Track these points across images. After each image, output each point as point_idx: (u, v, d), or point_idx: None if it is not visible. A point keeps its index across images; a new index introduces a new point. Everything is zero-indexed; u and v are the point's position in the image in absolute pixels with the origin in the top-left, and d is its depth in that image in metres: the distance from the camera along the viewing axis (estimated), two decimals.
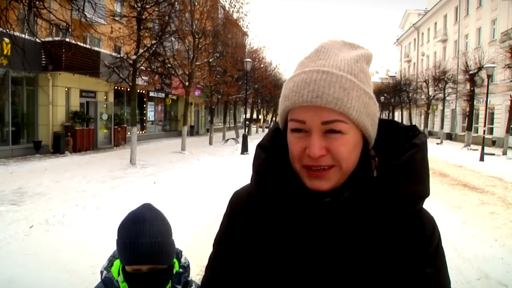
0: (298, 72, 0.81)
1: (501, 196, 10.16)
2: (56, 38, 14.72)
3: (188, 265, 1.54)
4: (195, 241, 5.65)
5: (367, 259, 0.81)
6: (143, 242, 1.32)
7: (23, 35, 8.87)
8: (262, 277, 0.86)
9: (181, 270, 1.49)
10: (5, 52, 13.24)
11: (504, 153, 22.01)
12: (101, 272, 1.50)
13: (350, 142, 0.79)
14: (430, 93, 36.76)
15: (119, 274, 1.42)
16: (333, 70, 0.78)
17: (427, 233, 0.85)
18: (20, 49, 7.17)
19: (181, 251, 1.55)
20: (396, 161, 0.83)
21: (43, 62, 16.39)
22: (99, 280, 1.50)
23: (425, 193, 0.84)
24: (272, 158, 0.89)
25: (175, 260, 1.48)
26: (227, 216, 1.00)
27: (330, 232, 0.82)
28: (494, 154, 21.94)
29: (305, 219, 0.82)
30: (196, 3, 20.12)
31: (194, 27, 19.81)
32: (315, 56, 0.83)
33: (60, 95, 17.90)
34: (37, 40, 8.78)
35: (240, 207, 0.96)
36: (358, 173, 0.83)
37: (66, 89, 18.37)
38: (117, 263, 1.46)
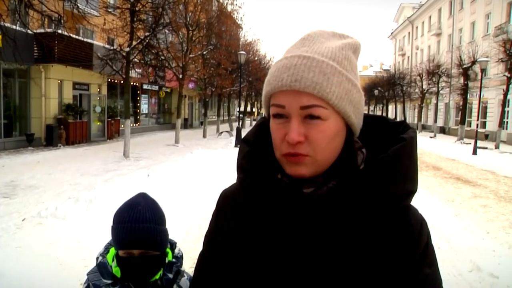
0: (281, 58, 0.82)
1: (493, 190, 10.25)
2: (48, 30, 14.55)
3: (182, 256, 1.56)
4: (188, 234, 5.64)
5: (349, 255, 0.79)
6: (136, 227, 1.35)
7: (14, 26, 8.76)
8: (247, 275, 0.85)
9: (174, 260, 1.51)
10: None
11: (497, 147, 22.16)
12: (97, 258, 1.53)
13: (331, 130, 0.78)
14: (424, 86, 36.92)
15: (113, 260, 1.45)
16: (314, 56, 0.78)
17: (414, 231, 0.82)
18: (11, 40, 7.09)
19: (176, 243, 1.58)
20: (383, 154, 0.81)
21: (35, 54, 16.23)
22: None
23: (412, 188, 0.82)
24: (255, 152, 0.88)
25: (168, 250, 1.51)
26: (214, 215, 1.00)
27: (312, 226, 0.79)
28: (487, 148, 22.08)
29: (286, 212, 0.80)
30: None
31: (188, 19, 19.69)
32: (300, 44, 0.83)
33: (53, 87, 17.76)
34: (29, 31, 8.68)
35: (226, 205, 0.96)
36: (342, 162, 0.81)
37: (59, 81, 18.23)
38: (112, 250, 1.49)
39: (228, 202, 0.96)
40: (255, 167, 0.86)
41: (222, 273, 0.90)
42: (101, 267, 1.46)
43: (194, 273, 1.03)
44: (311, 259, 0.80)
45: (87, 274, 1.49)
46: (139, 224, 1.35)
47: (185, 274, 1.51)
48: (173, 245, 1.56)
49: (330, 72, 0.77)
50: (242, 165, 0.88)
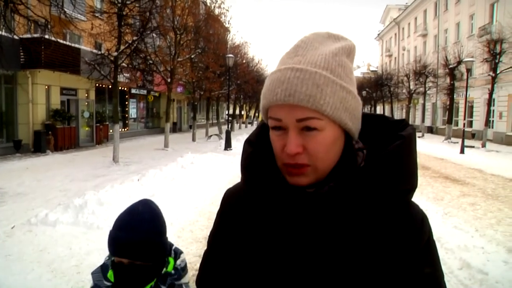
0: (275, 70, 0.82)
1: (481, 188, 10.37)
2: (35, 35, 14.47)
3: (182, 268, 1.51)
4: (180, 238, 5.63)
5: (353, 251, 0.81)
6: (123, 237, 1.35)
7: None
8: (252, 273, 0.86)
9: (172, 271, 1.47)
10: None
11: (483, 146, 22.43)
12: (105, 259, 1.54)
13: (328, 139, 0.79)
14: (411, 87, 37.23)
15: None
16: (307, 67, 0.78)
17: (416, 226, 0.84)
18: None
19: (181, 253, 1.54)
20: (382, 152, 0.82)
21: (21, 59, 16.07)
22: (84, 280, 1.53)
23: (412, 184, 0.83)
24: (258, 152, 0.90)
25: (171, 260, 1.48)
26: (218, 214, 1.01)
27: (315, 223, 0.81)
28: (474, 147, 22.36)
29: (290, 210, 0.82)
30: None
31: (176, 23, 19.67)
32: (293, 53, 0.83)
33: (40, 93, 17.59)
34: (15, 37, 8.61)
35: (231, 204, 0.98)
36: (342, 165, 0.83)
37: (46, 87, 18.06)
38: None
39: (232, 201, 0.98)
40: (259, 168, 0.87)
41: (226, 271, 0.92)
42: (103, 269, 1.47)
43: (198, 272, 1.04)
44: (315, 256, 0.82)
45: (91, 273, 1.49)
46: (127, 234, 1.34)
47: (183, 287, 1.48)
48: (177, 254, 1.52)
49: (324, 83, 0.77)
50: (246, 166, 0.90)
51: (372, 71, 64.19)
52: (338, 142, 0.82)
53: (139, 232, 1.36)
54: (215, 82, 26.69)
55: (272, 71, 0.84)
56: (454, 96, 28.88)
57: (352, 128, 0.83)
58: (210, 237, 1.02)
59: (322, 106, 0.77)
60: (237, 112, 47.34)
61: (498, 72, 22.88)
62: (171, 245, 1.55)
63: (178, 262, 1.51)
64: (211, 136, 27.28)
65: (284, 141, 0.80)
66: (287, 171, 0.82)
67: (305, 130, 0.78)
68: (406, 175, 0.82)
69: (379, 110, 54.94)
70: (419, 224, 0.85)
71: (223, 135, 22.62)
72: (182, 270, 1.50)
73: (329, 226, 0.81)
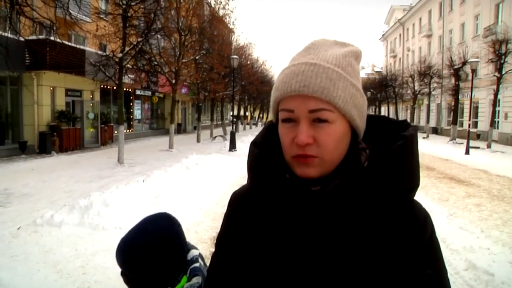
0: (289, 65, 0.86)
1: (486, 189, 10.33)
2: (40, 37, 14.54)
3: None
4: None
5: (357, 248, 0.82)
6: (125, 249, 1.29)
7: (5, 34, 8.73)
8: (260, 274, 0.87)
9: None
10: None
11: (489, 146, 22.33)
12: None
13: (337, 132, 0.82)
14: (415, 88, 37.08)
15: None
16: (320, 63, 0.83)
17: (419, 224, 0.85)
18: (2, 47, 7.06)
19: (195, 276, 1.33)
20: (385, 151, 0.84)
21: (27, 61, 16.16)
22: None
23: (415, 183, 0.85)
24: (264, 153, 0.91)
25: (185, 278, 1.38)
26: (225, 216, 1.02)
27: (321, 222, 0.83)
28: (479, 147, 22.25)
29: (296, 209, 0.84)
30: (181, 0, 20.01)
31: (180, 24, 19.71)
32: (306, 52, 0.88)
33: (45, 94, 17.70)
34: (21, 38, 8.64)
35: (238, 206, 0.99)
36: (347, 163, 0.85)
37: (51, 88, 18.17)
38: None
39: (239, 203, 0.99)
40: (265, 168, 0.89)
41: (235, 273, 0.92)
42: None
43: (206, 274, 1.04)
44: (322, 254, 0.83)
45: None
46: (123, 245, 1.29)
47: None
48: (191, 274, 1.34)
49: (336, 78, 0.81)
50: (253, 166, 0.92)
51: (376, 72, 64.05)
52: (345, 137, 0.85)
53: (131, 247, 1.29)
54: (220, 83, 26.74)
55: (284, 67, 0.87)
56: (459, 97, 28.80)
57: (359, 125, 0.86)
58: (218, 239, 1.03)
59: (335, 99, 0.80)
60: (242, 113, 47.32)
61: (503, 72, 22.78)
62: (193, 261, 1.45)
63: (186, 285, 1.33)
64: (215, 137, 27.32)
65: (294, 133, 0.82)
66: (296, 162, 0.84)
67: (316, 121, 0.81)
68: (409, 174, 0.84)
69: (383, 111, 54.83)
70: (422, 222, 0.86)
71: (228, 136, 22.65)
72: None
73: (334, 224, 0.82)
